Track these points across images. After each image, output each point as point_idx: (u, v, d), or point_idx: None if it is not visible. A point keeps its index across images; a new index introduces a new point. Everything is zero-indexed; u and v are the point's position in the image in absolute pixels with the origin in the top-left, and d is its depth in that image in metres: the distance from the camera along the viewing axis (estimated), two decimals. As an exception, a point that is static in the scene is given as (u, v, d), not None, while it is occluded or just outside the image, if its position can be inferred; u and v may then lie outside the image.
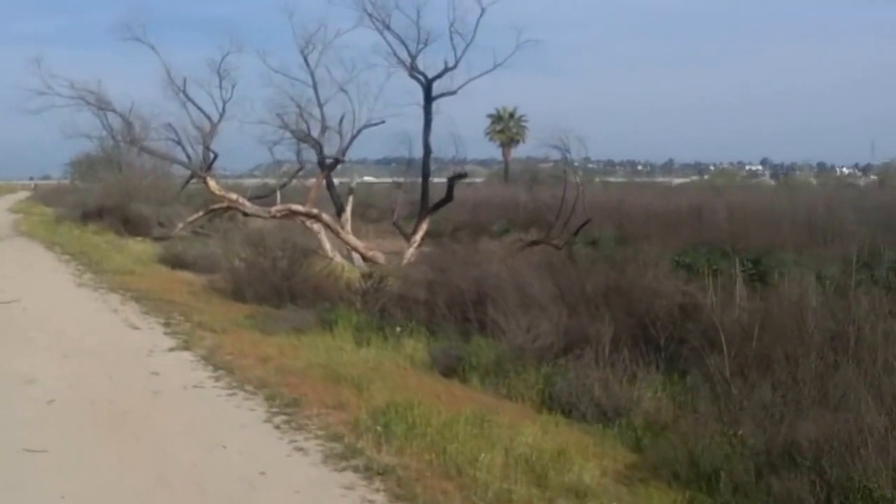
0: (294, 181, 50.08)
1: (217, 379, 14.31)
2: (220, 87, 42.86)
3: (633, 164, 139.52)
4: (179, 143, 43.56)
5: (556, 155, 43.07)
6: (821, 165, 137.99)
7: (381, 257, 42.39)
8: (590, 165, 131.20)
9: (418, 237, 43.29)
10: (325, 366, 15.14)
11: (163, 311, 20.76)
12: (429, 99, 42.45)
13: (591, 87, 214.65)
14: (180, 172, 50.65)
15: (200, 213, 42.58)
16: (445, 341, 18.19)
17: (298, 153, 46.39)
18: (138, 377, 14.42)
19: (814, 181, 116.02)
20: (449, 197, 44.17)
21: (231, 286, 25.03)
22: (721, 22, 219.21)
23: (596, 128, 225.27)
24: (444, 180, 44.65)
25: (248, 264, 25.22)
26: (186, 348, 16.58)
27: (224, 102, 42.78)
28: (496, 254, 31.23)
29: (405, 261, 43.12)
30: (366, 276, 21.37)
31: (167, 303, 21.88)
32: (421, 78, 42.17)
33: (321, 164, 43.93)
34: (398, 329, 18.80)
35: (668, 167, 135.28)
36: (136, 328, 18.72)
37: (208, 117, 42.73)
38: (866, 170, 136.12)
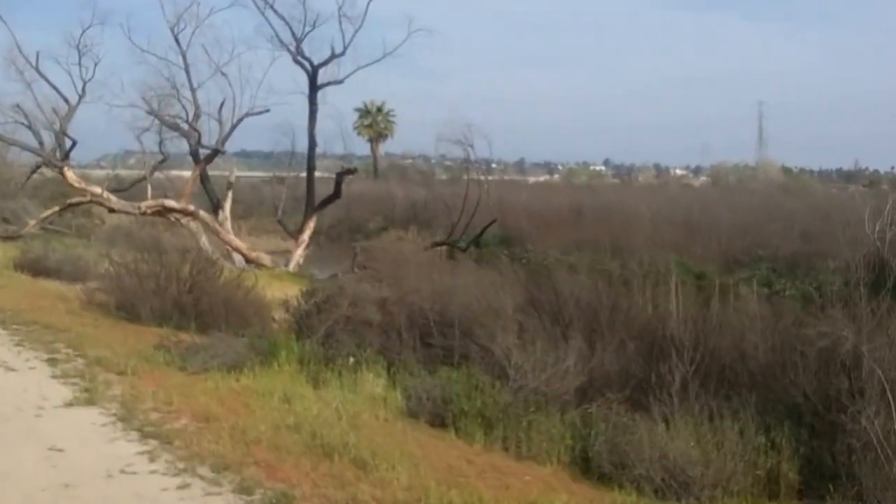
0: (157, 174, 44.36)
1: (151, 456, 9.48)
2: (80, 64, 36.96)
3: (487, 161, 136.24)
4: (30, 127, 37.16)
5: (457, 151, 38.69)
6: (657, 166, 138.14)
7: (266, 259, 37.52)
8: (447, 163, 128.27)
9: (306, 236, 38.76)
10: (297, 427, 10.61)
11: (41, 340, 15.50)
12: (314, 87, 37.96)
13: (446, 87, 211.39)
14: (21, 161, 44.14)
15: (56, 209, 36.50)
16: (410, 376, 14.26)
17: (161, 143, 40.64)
18: (32, 457, 9.45)
19: (653, 181, 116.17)
20: (337, 193, 39.70)
21: (116, 301, 19.79)
22: (567, 24, 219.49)
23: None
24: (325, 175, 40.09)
25: (138, 274, 19.96)
26: (90, 402, 11.57)
27: (84, 82, 36.90)
28: (414, 258, 27.23)
29: (293, 263, 38.41)
30: (306, 295, 16.52)
31: (44, 328, 16.57)
32: (306, 64, 37.61)
33: (194, 155, 38.46)
34: (351, 360, 14.39)
35: (521, 165, 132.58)
36: (12, 369, 13.41)
37: (66, 99, 36.71)
38: (697, 171, 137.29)
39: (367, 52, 62.46)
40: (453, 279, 17.91)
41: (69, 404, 11.43)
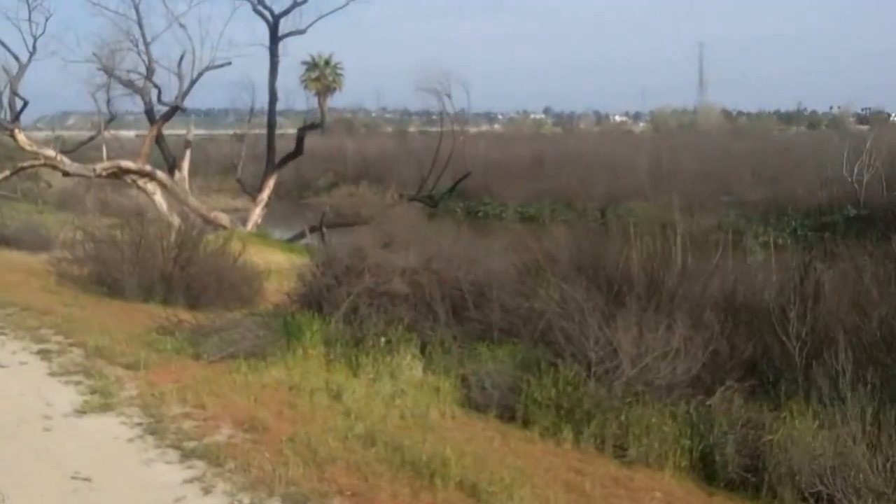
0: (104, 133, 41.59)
1: (204, 485, 7.49)
2: (30, 20, 33.98)
3: (428, 113, 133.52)
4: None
5: (432, 101, 36.56)
6: (597, 113, 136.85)
7: (225, 219, 35.21)
8: (387, 115, 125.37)
9: (265, 195, 36.55)
10: (370, 437, 8.68)
11: (24, 325, 13.27)
12: (275, 38, 35.53)
13: (385, 38, 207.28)
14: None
15: (7, 173, 33.68)
16: (445, 355, 12.36)
17: (108, 102, 37.82)
18: (52, 491, 7.42)
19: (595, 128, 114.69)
20: (299, 150, 37.46)
21: (94, 273, 17.57)
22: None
23: (392, 78, 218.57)
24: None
25: (117, 244, 17.72)
26: (106, 407, 9.46)
27: (35, 38, 33.92)
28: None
29: (251, 222, 36.22)
30: (324, 265, 14.45)
31: (23, 310, 14.32)
32: (267, 14, 35.10)
33: (149, 113, 35.79)
34: (382, 340, 12.40)
35: (462, 116, 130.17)
36: (0, 365, 11.20)
37: (16, 57, 33.75)
38: (637, 117, 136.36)
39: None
40: (471, 243, 15.92)
41: (80, 411, 9.33)
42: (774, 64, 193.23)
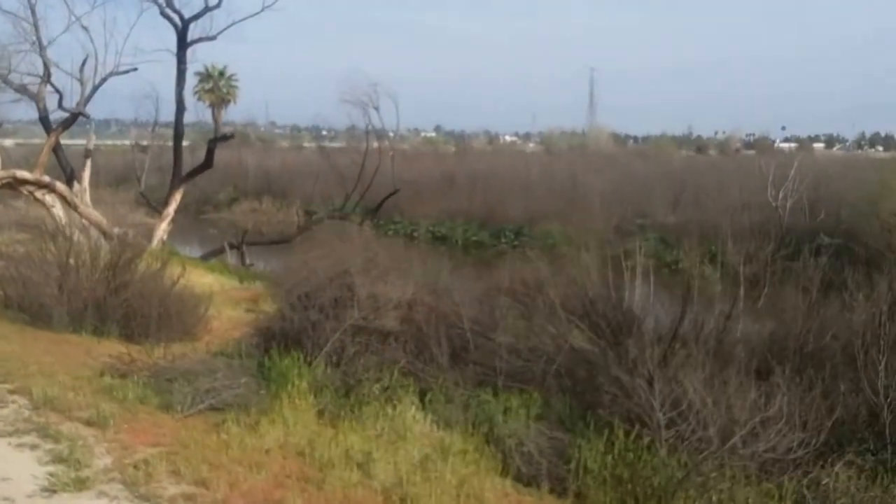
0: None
1: None
2: None
3: (317, 129, 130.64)
4: None
5: (357, 114, 34.50)
6: (487, 133, 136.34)
7: (129, 235, 32.48)
8: (276, 130, 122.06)
9: (171, 210, 33.87)
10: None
11: (-57, 365, 11.03)
12: (183, 44, 33.03)
13: (270, 54, 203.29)
14: None
15: None
16: (448, 404, 10.66)
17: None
18: None
19: (489, 147, 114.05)
20: (208, 163, 35.00)
21: (14, 298, 15.25)
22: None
23: (279, 92, 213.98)
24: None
25: (37, 264, 15.42)
26: (81, 484, 7.48)
27: (-88, 36, 30.60)
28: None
29: (156, 238, 33.61)
30: (292, 294, 12.52)
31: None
32: (176, 18, 32.62)
33: (44, 121, 32.89)
34: (378, 389, 10.72)
35: (353, 133, 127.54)
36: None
37: None
38: (527, 137, 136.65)
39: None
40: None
41: (49, 489, 7.32)
42: (660, 90, 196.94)
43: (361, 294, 11.96)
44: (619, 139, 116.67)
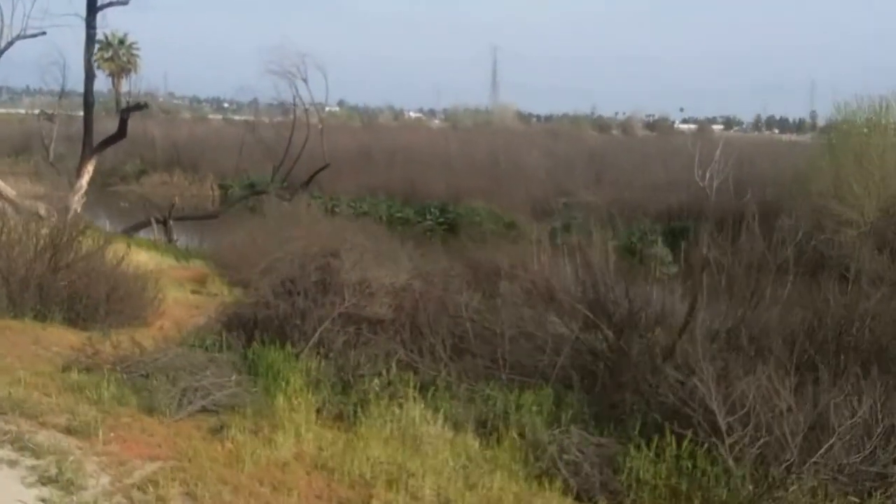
0: None
1: None
2: None
3: (218, 101, 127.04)
4: None
5: (283, 85, 32.88)
6: (391, 108, 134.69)
7: (41, 208, 30.43)
8: (175, 101, 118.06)
9: (84, 182, 31.87)
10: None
11: None
12: (93, 8, 30.92)
13: (175, 23, 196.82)
14: None
15: None
16: (452, 400, 9.95)
17: None
18: None
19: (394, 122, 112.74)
20: (122, 133, 32.98)
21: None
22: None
23: (181, 63, 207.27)
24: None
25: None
26: (81, 510, 6.23)
27: None
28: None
29: (70, 212, 31.60)
30: (290, 281, 11.25)
31: None
32: (86, -22, 30.47)
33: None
34: (378, 384, 9.70)
35: (255, 105, 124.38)
36: None
37: None
38: (431, 114, 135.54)
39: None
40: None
41: (45, 519, 6.08)
42: (562, 71, 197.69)
43: (351, 279, 10.79)
44: (524, 117, 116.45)
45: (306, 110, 33.87)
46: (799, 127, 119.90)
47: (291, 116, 34.71)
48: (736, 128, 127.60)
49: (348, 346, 10.37)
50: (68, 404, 8.38)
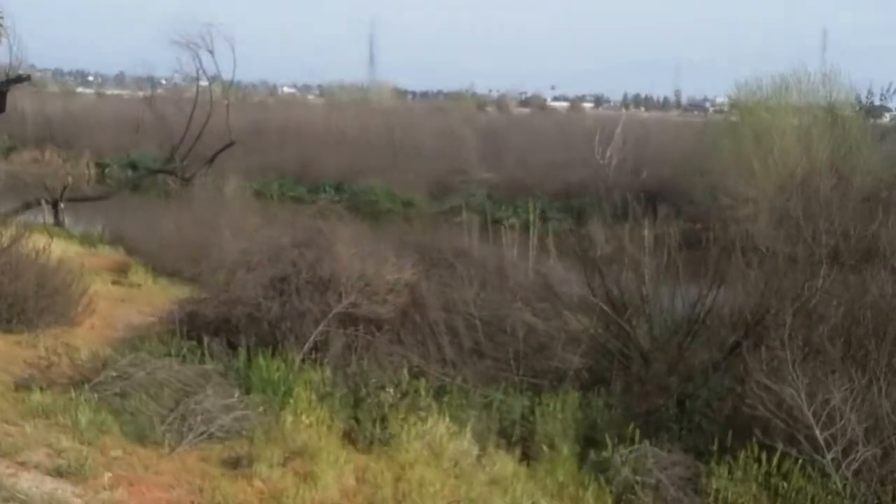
0: None
1: None
2: None
3: (83, 74, 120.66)
4: None
5: (185, 56, 30.45)
6: (265, 84, 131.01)
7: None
8: (38, 74, 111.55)
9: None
10: None
11: None
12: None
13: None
14: None
15: None
16: (468, 408, 8.78)
17: None
18: None
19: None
20: (1, 106, 30.21)
21: None
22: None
23: (43, 31, 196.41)
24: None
25: None
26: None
27: None
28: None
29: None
30: (281, 279, 9.74)
31: None
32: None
33: None
34: (392, 395, 8.46)
35: (121, 79, 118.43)
36: None
37: None
38: (305, 90, 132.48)
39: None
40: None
41: None
42: (438, 47, 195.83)
43: (350, 275, 9.39)
44: (401, 94, 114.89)
45: (198, 85, 31.62)
46: (664, 105, 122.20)
47: (186, 92, 32.39)
48: (605, 105, 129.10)
49: (348, 350, 9.00)
50: (40, 435, 6.82)
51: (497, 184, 40.87)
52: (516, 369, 9.31)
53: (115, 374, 8.09)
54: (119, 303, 14.00)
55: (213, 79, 32.19)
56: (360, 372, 8.56)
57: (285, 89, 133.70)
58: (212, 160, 30.64)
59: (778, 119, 34.39)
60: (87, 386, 7.89)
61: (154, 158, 38.15)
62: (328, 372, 8.60)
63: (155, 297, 14.86)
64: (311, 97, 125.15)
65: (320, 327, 9.00)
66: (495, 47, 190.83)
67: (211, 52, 30.11)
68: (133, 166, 45.23)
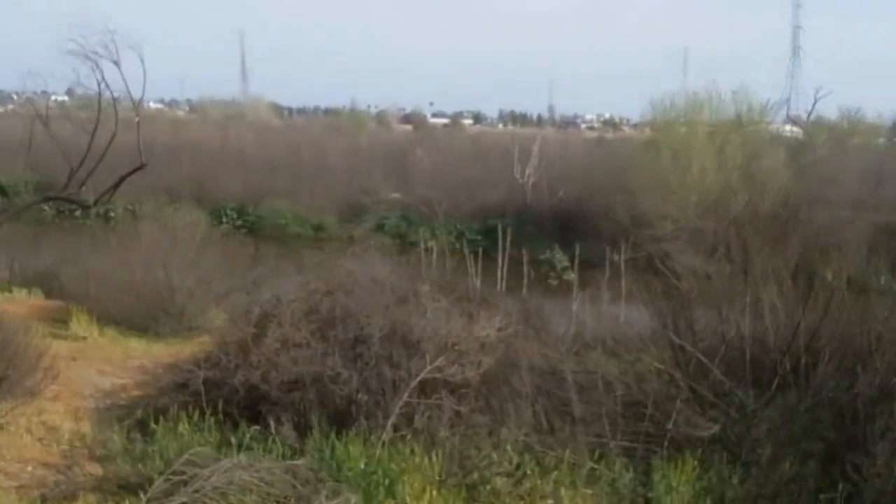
0: None
1: None
2: None
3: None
4: None
5: (84, 67, 27.50)
6: (125, 97, 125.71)
7: None
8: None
9: None
10: None
11: None
12: None
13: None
14: None
15: None
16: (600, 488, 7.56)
17: None
18: None
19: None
20: None
21: None
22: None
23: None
24: None
25: None
26: None
27: None
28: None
29: None
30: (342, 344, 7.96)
31: None
32: None
33: None
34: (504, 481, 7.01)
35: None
36: None
37: None
38: (173, 105, 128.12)
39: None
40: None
41: None
42: (316, 64, 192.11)
43: (436, 332, 7.75)
44: (278, 110, 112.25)
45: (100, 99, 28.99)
46: (538, 122, 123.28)
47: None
48: (484, 122, 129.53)
49: (435, 423, 7.38)
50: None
51: (408, 204, 39.45)
52: (612, 434, 7.86)
53: (174, 476, 6.28)
54: (71, 362, 11.78)
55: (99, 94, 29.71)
56: (469, 453, 6.97)
57: (151, 104, 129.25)
58: (117, 185, 28.15)
59: (693, 137, 34.34)
60: (143, 496, 6.06)
61: (26, 182, 35.78)
62: (437, 456, 6.94)
63: (110, 353, 12.84)
64: (181, 113, 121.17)
65: (403, 398, 7.33)
66: (373, 65, 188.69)
67: (116, 62, 27.54)
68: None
